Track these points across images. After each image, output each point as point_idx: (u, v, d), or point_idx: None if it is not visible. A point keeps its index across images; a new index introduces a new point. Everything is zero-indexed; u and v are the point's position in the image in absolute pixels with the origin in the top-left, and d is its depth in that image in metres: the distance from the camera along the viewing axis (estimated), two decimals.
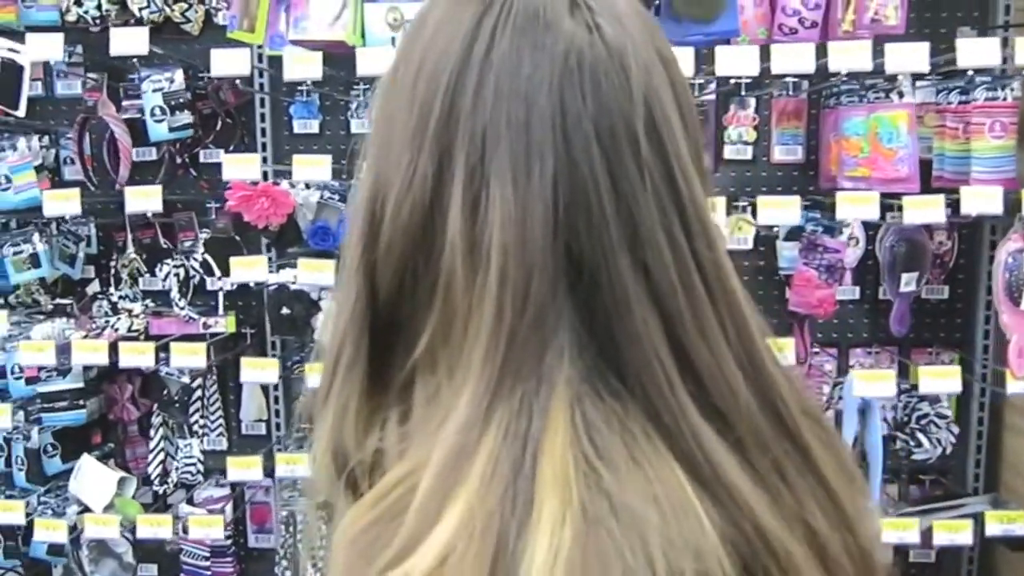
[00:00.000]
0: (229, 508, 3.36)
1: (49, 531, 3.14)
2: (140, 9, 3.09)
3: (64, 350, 2.99)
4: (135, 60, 2.92)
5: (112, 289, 3.38)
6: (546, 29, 0.70)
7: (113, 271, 3.39)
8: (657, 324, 0.70)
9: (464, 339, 0.70)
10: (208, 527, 3.11)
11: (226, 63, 2.81)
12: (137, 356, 3.01)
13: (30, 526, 3.20)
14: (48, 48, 2.92)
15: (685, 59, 2.66)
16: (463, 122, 0.70)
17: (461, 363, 0.70)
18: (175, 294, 3.26)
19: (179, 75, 3.09)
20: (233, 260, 2.92)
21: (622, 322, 0.69)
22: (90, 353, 3.03)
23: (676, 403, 0.69)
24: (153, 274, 3.37)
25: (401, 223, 0.72)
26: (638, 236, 0.70)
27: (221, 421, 3.43)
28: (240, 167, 2.85)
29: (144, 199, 2.95)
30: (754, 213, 2.80)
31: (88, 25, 3.20)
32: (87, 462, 3.30)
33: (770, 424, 0.72)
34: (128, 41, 2.87)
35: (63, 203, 2.98)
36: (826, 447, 0.75)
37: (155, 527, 3.10)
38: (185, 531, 3.12)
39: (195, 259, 3.26)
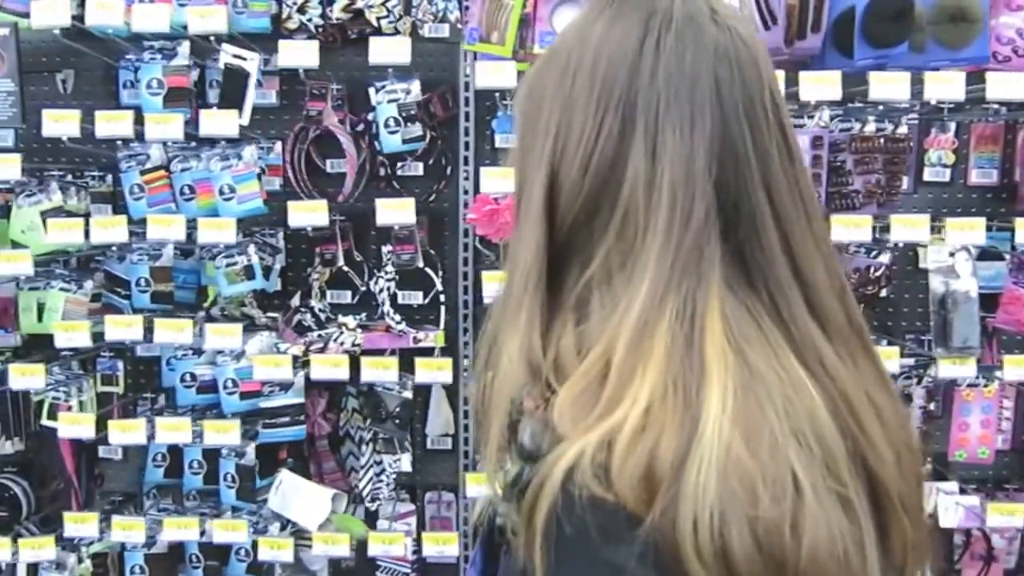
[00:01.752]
0: (413, 522, 3.37)
1: (274, 550, 3.10)
2: (379, 19, 3.06)
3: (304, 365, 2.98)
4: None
5: (313, 302, 3.33)
6: (699, 30, 1.00)
7: (314, 284, 3.35)
8: (778, 240, 0.98)
9: (641, 252, 0.96)
10: (392, 543, 3.13)
11: (488, 76, 2.82)
12: (380, 371, 3.00)
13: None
14: (304, 55, 2.88)
15: (901, 83, 2.78)
16: (642, 93, 0.98)
17: (638, 268, 0.95)
18: (388, 307, 3.26)
19: (415, 86, 3.10)
20: (485, 274, 2.94)
21: (756, 237, 0.98)
22: (330, 368, 3.01)
23: (791, 301, 0.97)
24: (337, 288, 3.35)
25: (589, 171, 0.99)
26: (769, 174, 0.99)
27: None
28: (495, 181, 2.87)
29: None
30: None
31: (310, 33, 3.14)
32: (290, 478, 3.28)
33: (847, 322, 1.01)
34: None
35: (309, 214, 2.95)
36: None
37: (387, 545, 3.09)
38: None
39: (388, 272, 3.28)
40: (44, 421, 3.31)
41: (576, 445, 0.87)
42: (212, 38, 2.98)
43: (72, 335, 3.07)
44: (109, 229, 2.98)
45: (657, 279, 0.93)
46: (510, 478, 0.97)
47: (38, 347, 3.46)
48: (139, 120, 2.94)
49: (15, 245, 3.36)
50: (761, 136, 0.99)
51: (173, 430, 3.08)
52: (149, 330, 3.05)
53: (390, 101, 3.12)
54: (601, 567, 0.85)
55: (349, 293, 3.48)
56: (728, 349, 0.91)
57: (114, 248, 3.30)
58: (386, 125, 3.12)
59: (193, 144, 3.18)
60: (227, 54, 3.11)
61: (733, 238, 0.97)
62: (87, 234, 3.01)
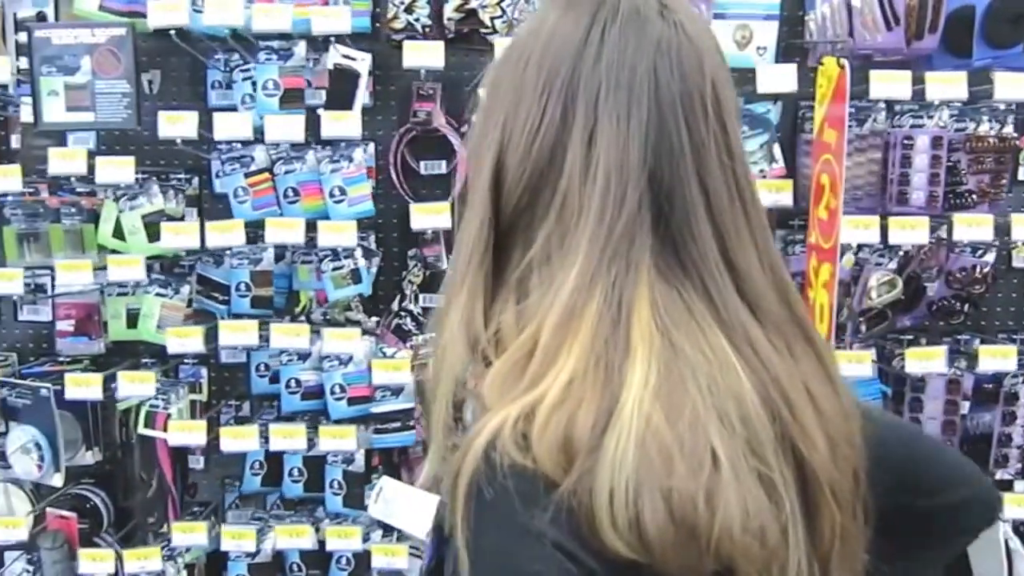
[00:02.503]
0: None
1: (388, 557, 3.08)
2: (492, 19, 3.06)
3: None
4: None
5: (409, 305, 3.32)
6: (644, 23, 1.03)
7: (408, 287, 3.34)
8: (711, 231, 1.01)
9: (575, 235, 1.00)
10: None
11: None
12: None
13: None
14: (429, 55, 2.87)
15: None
16: (584, 81, 1.02)
17: (571, 251, 0.99)
18: None
19: None
20: None
21: (688, 227, 1.01)
22: None
23: (722, 287, 1.00)
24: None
25: (532, 155, 1.03)
26: (703, 166, 1.02)
27: None
28: None
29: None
30: None
31: (415, 34, 3.13)
32: (391, 485, 3.24)
33: (784, 312, 1.04)
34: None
35: (431, 216, 2.95)
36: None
37: None
38: None
39: None
40: (141, 430, 3.24)
41: (498, 415, 0.92)
42: (332, 38, 2.94)
43: (185, 341, 3.02)
44: (226, 233, 2.94)
45: (587, 262, 0.98)
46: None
47: (118, 354, 3.43)
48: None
49: (101, 250, 3.30)
50: (698, 129, 1.02)
51: (288, 436, 3.06)
52: (264, 336, 3.01)
53: None
54: (518, 531, 0.88)
55: None
56: (655, 331, 0.95)
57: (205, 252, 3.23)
58: None
59: (297, 145, 3.13)
60: (336, 54, 3.08)
61: (665, 227, 1.00)
62: (203, 238, 2.96)
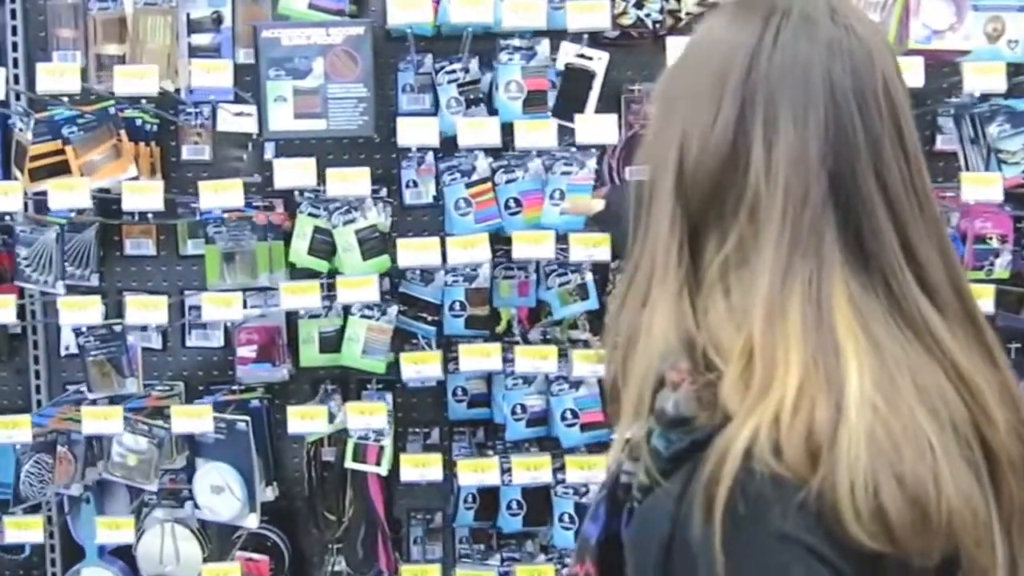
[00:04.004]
0: None
1: None
2: None
3: None
4: None
5: None
6: (815, 26, 1.08)
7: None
8: (891, 224, 1.05)
9: (763, 235, 1.04)
10: None
11: None
12: None
13: None
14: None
15: None
16: (759, 83, 1.06)
17: (763, 250, 1.04)
18: None
19: None
20: None
21: (868, 222, 1.05)
22: None
23: (902, 280, 1.05)
24: None
25: (710, 154, 1.08)
26: (880, 161, 1.06)
27: None
28: None
29: None
30: None
31: (643, 30, 2.94)
32: None
33: (958, 303, 1.08)
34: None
35: None
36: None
37: None
38: None
39: None
40: (350, 463, 3.00)
41: (749, 424, 0.96)
42: (584, 38, 2.72)
43: (421, 367, 2.78)
44: (470, 249, 2.71)
45: (779, 262, 1.02)
46: (641, 440, 1.07)
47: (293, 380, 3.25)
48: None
49: (293, 269, 3.06)
50: (873, 125, 1.06)
51: (532, 468, 2.83)
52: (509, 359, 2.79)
53: None
54: (776, 539, 0.94)
55: None
56: (856, 327, 1.01)
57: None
58: None
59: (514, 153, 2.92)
60: (568, 53, 2.87)
61: (847, 222, 1.04)
62: (444, 255, 2.73)
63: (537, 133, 2.72)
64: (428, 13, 2.66)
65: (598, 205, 2.71)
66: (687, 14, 2.97)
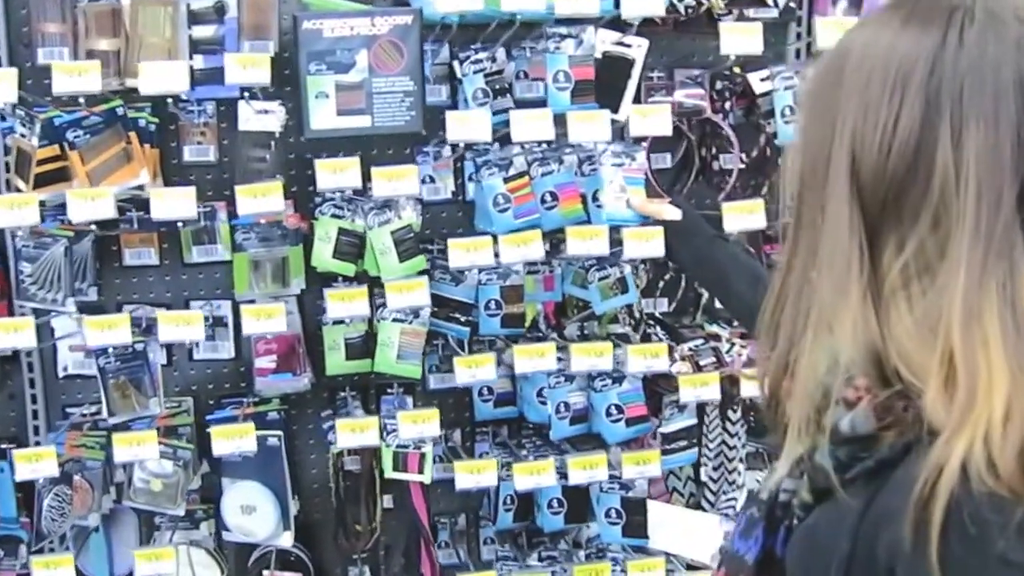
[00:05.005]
0: None
1: None
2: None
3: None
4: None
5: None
6: (1002, 26, 1.01)
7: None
8: None
9: (954, 241, 0.97)
10: None
11: None
12: None
13: None
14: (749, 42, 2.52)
15: None
16: (945, 84, 0.99)
17: (952, 257, 0.97)
18: None
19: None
20: None
21: None
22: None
23: None
24: None
25: (891, 158, 1.01)
26: None
27: None
28: None
29: None
30: None
31: (678, 15, 2.77)
32: (659, 509, 2.92)
33: None
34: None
35: (746, 216, 2.61)
36: None
37: None
38: None
39: None
40: (391, 473, 2.77)
41: (961, 438, 0.90)
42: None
43: (475, 371, 2.57)
44: (523, 247, 2.50)
45: (972, 269, 0.96)
46: (804, 457, 1.03)
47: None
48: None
49: (311, 275, 2.81)
50: None
51: (589, 467, 2.65)
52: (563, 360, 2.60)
53: (786, 89, 2.78)
54: (997, 562, 0.88)
55: (665, 300, 3.12)
56: None
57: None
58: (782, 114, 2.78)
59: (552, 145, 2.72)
60: (605, 41, 2.68)
61: None
62: (496, 254, 2.51)
63: (589, 124, 2.51)
64: (479, 0, 2.42)
65: (672, 212, 2.52)
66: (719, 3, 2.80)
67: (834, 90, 1.07)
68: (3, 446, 2.87)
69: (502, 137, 2.67)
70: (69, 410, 2.94)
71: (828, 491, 1.01)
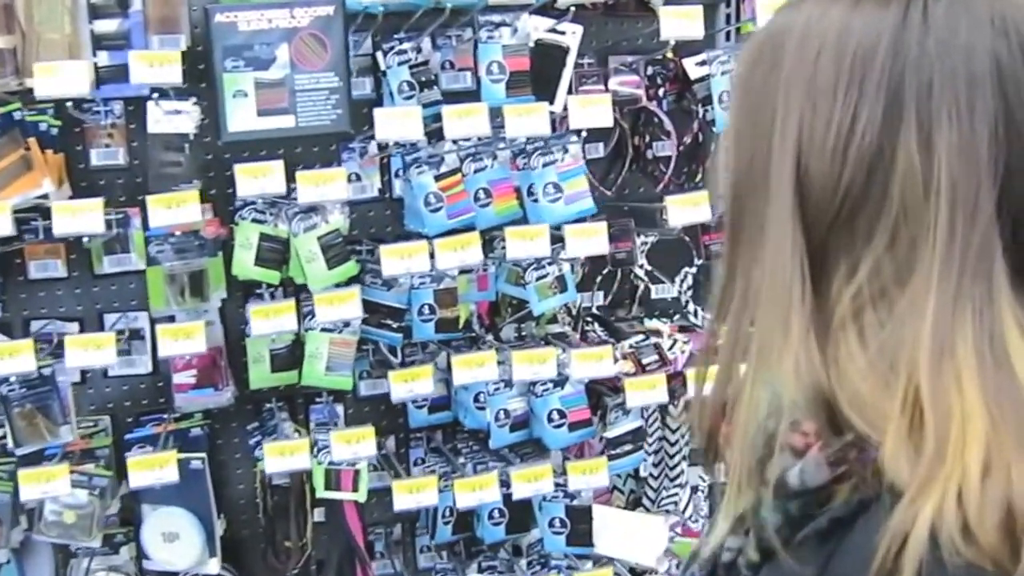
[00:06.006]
0: None
1: None
2: None
3: None
4: None
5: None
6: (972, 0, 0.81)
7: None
8: None
9: (921, 257, 0.79)
10: None
11: None
12: None
13: None
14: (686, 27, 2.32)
15: None
16: (909, 73, 0.79)
17: (919, 279, 0.79)
18: (691, 305, 2.76)
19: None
20: None
21: None
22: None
23: None
24: None
25: (847, 164, 0.80)
26: None
27: None
28: None
29: None
30: None
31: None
32: (604, 513, 2.73)
33: None
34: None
35: (691, 208, 2.41)
36: None
37: None
38: None
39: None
40: (323, 493, 2.51)
41: (929, 498, 0.72)
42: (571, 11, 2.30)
43: (413, 385, 2.33)
44: (460, 251, 2.26)
45: (943, 292, 0.77)
46: (748, 512, 0.85)
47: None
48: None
49: (232, 283, 2.54)
50: None
51: (534, 479, 2.43)
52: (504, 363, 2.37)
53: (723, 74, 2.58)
54: None
55: (601, 294, 2.91)
56: None
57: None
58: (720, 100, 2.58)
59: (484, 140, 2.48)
60: (538, 28, 2.45)
61: (1014, 238, 0.80)
62: (433, 258, 2.27)
63: (527, 118, 2.28)
64: None
65: None
66: None
67: (771, 77, 0.86)
68: None
69: (431, 132, 2.43)
70: None
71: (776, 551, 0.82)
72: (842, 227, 0.82)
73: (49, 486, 2.18)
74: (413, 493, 2.37)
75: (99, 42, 2.42)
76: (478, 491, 2.39)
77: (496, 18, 2.36)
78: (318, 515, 2.79)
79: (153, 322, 2.57)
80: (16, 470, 2.33)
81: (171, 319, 2.49)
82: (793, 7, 0.87)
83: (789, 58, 0.85)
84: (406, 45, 2.49)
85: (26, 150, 2.30)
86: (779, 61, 0.85)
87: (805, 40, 0.84)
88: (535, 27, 2.43)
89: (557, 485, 2.56)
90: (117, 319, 2.61)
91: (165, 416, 2.67)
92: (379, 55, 2.52)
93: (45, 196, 2.33)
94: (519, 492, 2.44)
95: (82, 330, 2.58)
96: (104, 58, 2.39)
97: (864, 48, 0.81)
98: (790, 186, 0.83)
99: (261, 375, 2.60)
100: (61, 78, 2.04)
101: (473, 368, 2.33)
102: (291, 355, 2.60)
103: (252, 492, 2.78)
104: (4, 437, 2.46)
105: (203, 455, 2.47)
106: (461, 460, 2.71)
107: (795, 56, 0.84)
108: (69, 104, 2.26)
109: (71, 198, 2.43)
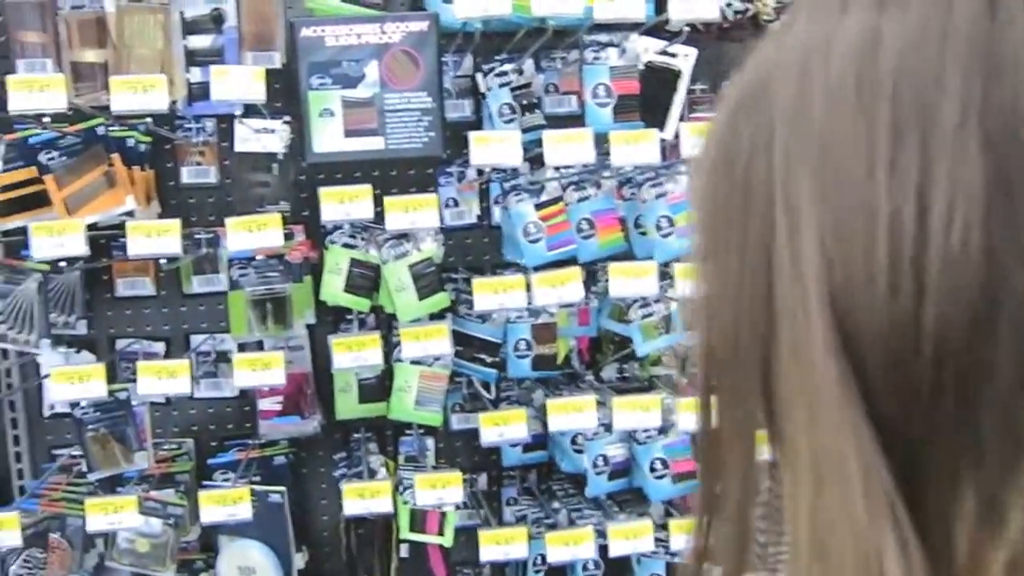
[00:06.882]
0: None
1: None
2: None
3: None
4: None
5: None
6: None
7: None
8: None
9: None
10: None
11: None
12: None
13: None
14: None
15: None
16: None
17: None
18: None
19: None
20: None
21: None
22: None
23: None
24: None
25: (926, 294, 0.43)
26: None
27: None
28: None
29: None
30: None
31: (723, 22, 2.26)
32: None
33: None
34: None
35: None
36: None
37: None
38: None
39: None
40: (406, 534, 2.28)
41: None
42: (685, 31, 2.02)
43: (504, 429, 2.07)
44: (559, 287, 2.00)
45: None
46: None
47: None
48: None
49: (322, 308, 2.33)
50: None
51: (633, 537, 2.15)
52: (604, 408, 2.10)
53: None
54: None
55: None
56: None
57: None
58: None
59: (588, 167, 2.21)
60: (647, 50, 2.17)
61: None
62: (529, 292, 2.02)
63: (635, 146, 2.01)
64: (507, 4, 1.91)
65: None
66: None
67: (755, 155, 0.49)
68: None
69: (532, 158, 2.18)
70: (56, 451, 2.47)
71: None
72: (931, 410, 0.45)
73: (117, 517, 2.00)
74: (501, 544, 2.11)
75: (192, 58, 2.26)
76: (571, 546, 2.12)
77: (603, 38, 2.10)
78: (403, 551, 2.57)
79: (241, 347, 2.38)
80: (91, 493, 2.17)
81: (259, 344, 2.31)
82: (775, 36, 0.51)
83: (782, 112, 0.48)
84: (507, 66, 2.25)
85: (110, 166, 2.12)
86: (766, 121, 0.48)
87: (805, 76, 0.47)
88: (645, 48, 2.17)
89: (658, 540, 2.27)
90: (203, 340, 2.43)
91: (249, 442, 2.48)
92: (479, 76, 2.29)
93: (130, 213, 2.16)
94: (616, 549, 2.17)
95: (168, 350, 2.42)
96: (197, 74, 2.22)
97: (911, 82, 0.44)
98: (828, 351, 0.45)
99: (348, 406, 2.39)
100: (141, 94, 1.85)
101: (570, 413, 2.07)
102: (380, 386, 2.39)
103: (336, 524, 2.57)
104: (80, 459, 2.30)
105: (283, 489, 2.27)
106: (556, 505, 2.45)
107: (792, 105, 0.48)
108: (149, 120, 2.07)
109: (160, 216, 2.26)
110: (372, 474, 2.33)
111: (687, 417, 2.13)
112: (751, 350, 0.50)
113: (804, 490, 0.47)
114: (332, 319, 2.44)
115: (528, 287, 2.02)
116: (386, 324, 2.35)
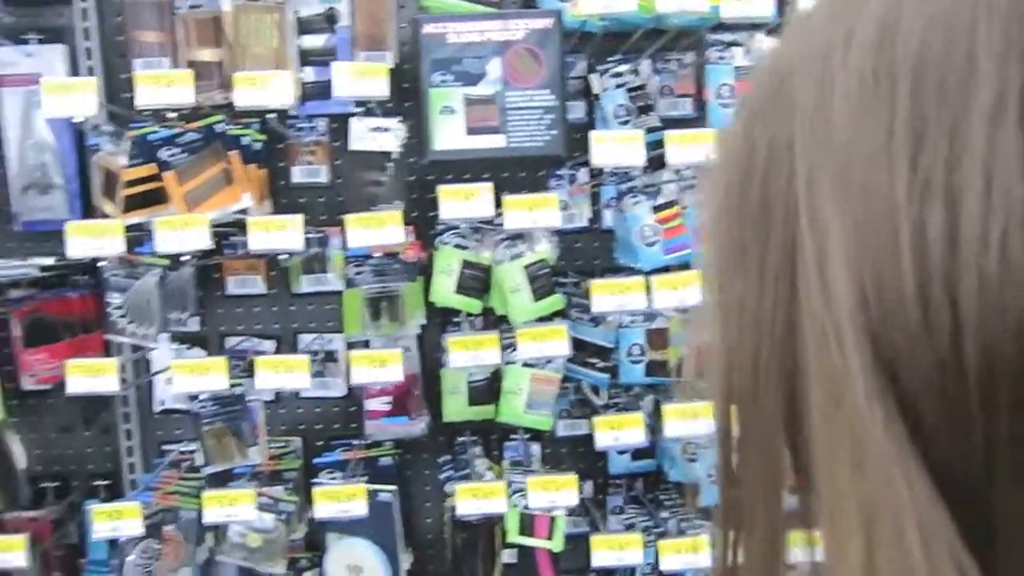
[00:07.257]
0: None
1: None
2: None
3: None
4: None
5: None
6: None
7: None
8: None
9: None
10: None
11: None
12: None
13: None
14: None
15: None
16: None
17: None
18: None
19: None
20: None
21: None
22: None
23: None
24: None
25: (991, 262, 0.33)
26: None
27: None
28: None
29: None
30: None
31: None
32: None
33: None
34: None
35: None
36: None
37: None
38: None
39: None
40: (514, 538, 2.22)
41: None
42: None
43: (619, 434, 2.00)
44: (679, 290, 1.92)
45: None
46: None
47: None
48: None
49: (430, 310, 2.28)
50: None
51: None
52: None
53: None
54: None
55: None
56: None
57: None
58: None
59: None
60: (762, 46, 2.08)
61: None
62: (649, 297, 1.94)
63: None
64: (631, 2, 1.85)
65: None
66: None
67: (774, 171, 0.42)
68: (96, 483, 2.43)
69: (648, 160, 2.11)
70: (166, 447, 2.46)
71: None
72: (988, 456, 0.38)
73: (233, 509, 1.97)
74: (615, 550, 2.04)
75: (306, 58, 2.23)
76: (684, 554, 2.04)
77: (727, 37, 2.02)
78: (508, 556, 2.51)
79: (349, 345, 2.35)
80: (203, 488, 2.15)
81: (365, 344, 2.27)
82: (794, 30, 0.44)
83: (801, 117, 0.41)
84: (623, 67, 2.18)
85: (228, 164, 2.10)
86: (785, 127, 0.41)
87: (824, 75, 0.40)
88: (760, 45, 2.08)
89: None
90: (313, 339, 2.40)
91: (355, 442, 2.44)
92: (593, 77, 2.23)
93: (245, 211, 2.13)
94: None
95: (278, 348, 2.39)
96: (310, 74, 2.20)
97: (944, 51, 0.37)
98: (870, 391, 0.38)
99: (457, 407, 2.33)
100: (263, 90, 1.82)
101: (687, 419, 1.99)
102: (489, 388, 2.33)
103: (440, 527, 2.52)
104: (194, 453, 2.28)
105: (393, 488, 2.22)
106: (664, 514, 2.37)
107: (811, 109, 0.40)
108: (272, 116, 2.04)
109: (271, 215, 2.24)
110: (479, 477, 2.27)
111: None
112: (774, 389, 0.42)
113: (853, 548, 0.38)
114: (440, 321, 2.39)
115: (648, 289, 1.94)
116: (493, 326, 2.30)
